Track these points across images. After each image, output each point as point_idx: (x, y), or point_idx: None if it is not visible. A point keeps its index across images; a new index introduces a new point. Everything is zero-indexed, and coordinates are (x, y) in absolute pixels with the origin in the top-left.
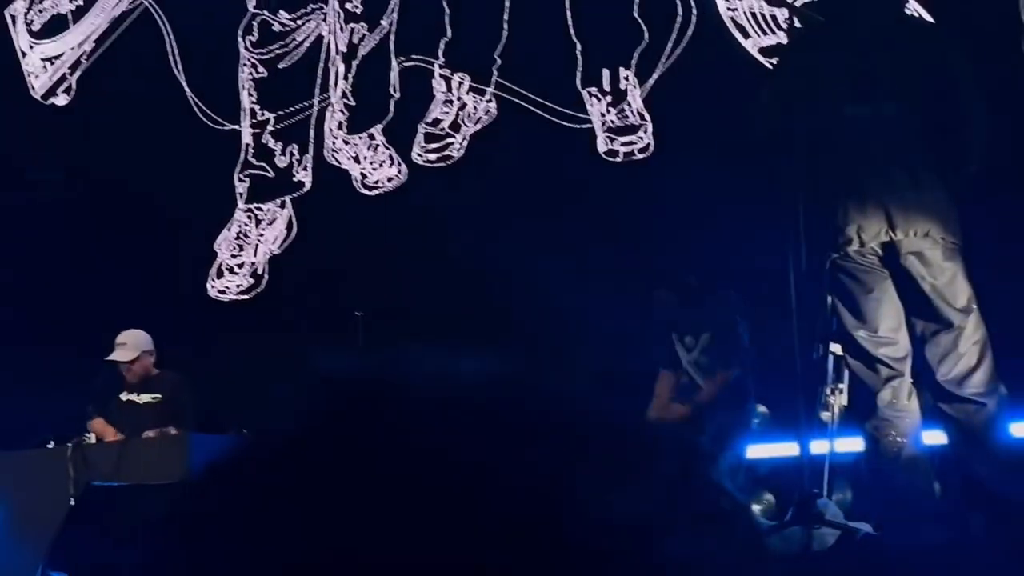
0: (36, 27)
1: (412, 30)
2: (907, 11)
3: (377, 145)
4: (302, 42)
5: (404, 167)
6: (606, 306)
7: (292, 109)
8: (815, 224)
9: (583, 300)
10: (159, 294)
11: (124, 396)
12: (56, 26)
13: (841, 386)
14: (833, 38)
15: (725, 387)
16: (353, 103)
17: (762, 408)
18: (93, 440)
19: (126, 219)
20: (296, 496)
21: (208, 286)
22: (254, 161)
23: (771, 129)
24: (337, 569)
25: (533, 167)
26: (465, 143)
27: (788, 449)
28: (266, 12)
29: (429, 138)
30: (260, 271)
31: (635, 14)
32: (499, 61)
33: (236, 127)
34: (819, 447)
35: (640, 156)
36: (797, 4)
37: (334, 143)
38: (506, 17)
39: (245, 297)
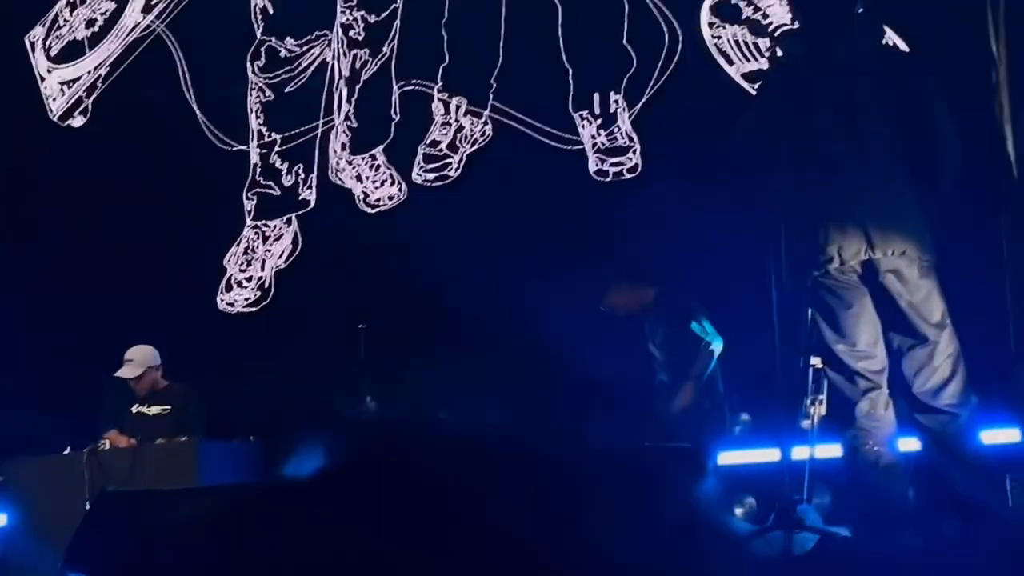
0: (54, 52)
1: (412, 56)
2: (885, 41)
3: (379, 165)
4: (308, 67)
5: (404, 186)
6: (592, 320)
7: (298, 131)
8: (796, 243)
9: (571, 314)
10: (171, 306)
11: (135, 409)
12: (73, 51)
13: (821, 397)
14: (814, 66)
15: (696, 394)
16: (356, 125)
17: (745, 416)
18: (108, 447)
19: (140, 235)
20: (322, 533)
21: (217, 299)
22: (261, 180)
23: (749, 152)
24: None
25: (527, 186)
26: (462, 163)
27: (770, 455)
28: (273, 39)
29: (428, 158)
30: (267, 285)
31: (624, 41)
32: (495, 85)
33: (244, 148)
34: (799, 454)
35: (629, 176)
36: (778, 34)
37: (338, 163)
38: (502, 44)
39: (252, 310)
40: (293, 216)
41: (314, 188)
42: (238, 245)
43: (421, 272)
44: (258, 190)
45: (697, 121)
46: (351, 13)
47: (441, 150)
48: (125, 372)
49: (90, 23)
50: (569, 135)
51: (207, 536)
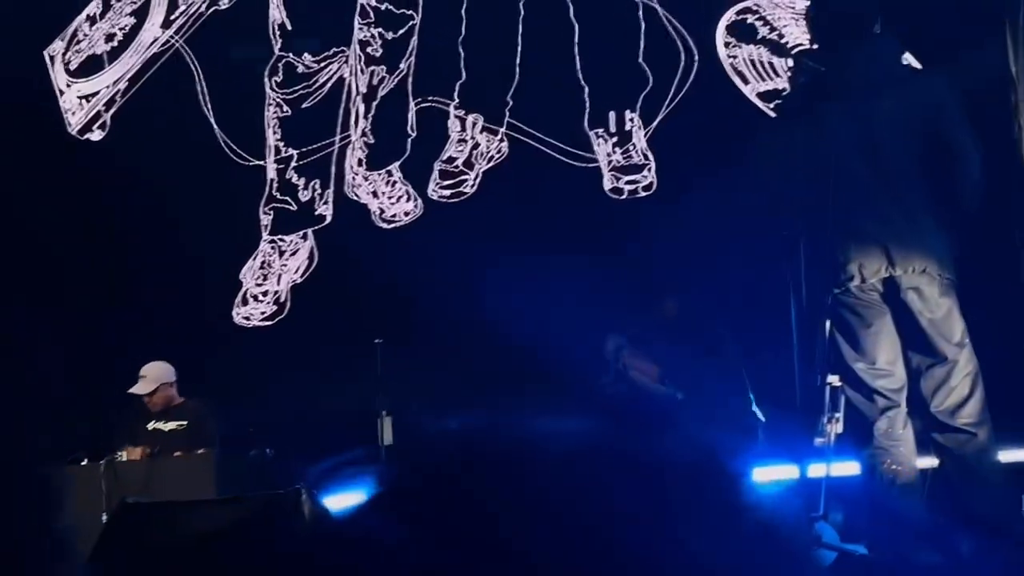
0: (73, 66)
1: (429, 73)
2: (903, 61)
3: (395, 181)
4: (325, 83)
5: (420, 202)
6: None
7: (315, 146)
8: (816, 261)
9: (588, 330)
10: (187, 319)
11: (151, 425)
12: (92, 66)
13: (838, 415)
14: (831, 85)
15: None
16: (372, 141)
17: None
18: (124, 458)
19: (156, 248)
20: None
21: (233, 313)
22: (278, 195)
23: (770, 173)
24: None
25: (542, 203)
26: (478, 180)
27: (787, 473)
28: (291, 55)
29: (444, 175)
30: (283, 299)
31: (640, 60)
32: (511, 103)
33: (261, 163)
34: (817, 471)
35: (644, 194)
36: (795, 54)
37: (354, 179)
38: (518, 61)
39: (268, 324)
40: (309, 231)
41: (330, 203)
42: (254, 259)
43: (436, 288)
44: (275, 205)
45: (712, 140)
46: (368, 30)
47: (457, 167)
48: (139, 388)
49: (109, 37)
50: (584, 153)
51: (227, 546)
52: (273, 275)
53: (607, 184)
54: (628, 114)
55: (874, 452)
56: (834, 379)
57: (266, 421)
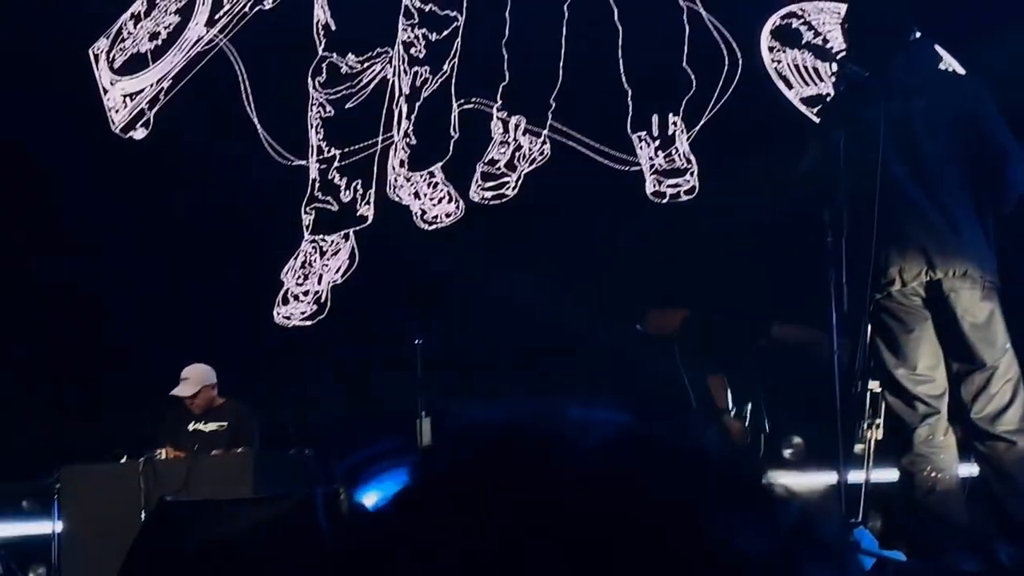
0: (117, 64)
1: (472, 74)
2: (941, 66)
3: (436, 182)
4: (368, 84)
5: (461, 204)
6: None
7: (357, 147)
8: (857, 266)
9: (628, 332)
10: (228, 318)
11: (191, 426)
12: (136, 64)
13: (877, 421)
14: (872, 90)
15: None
16: (415, 142)
17: (797, 439)
18: (164, 457)
19: (198, 247)
20: (444, 540)
21: (274, 312)
22: (320, 195)
23: (818, 176)
24: None
25: (583, 206)
26: (520, 182)
27: (826, 479)
28: (335, 55)
29: (486, 177)
30: (323, 299)
31: (684, 63)
32: (554, 105)
33: (304, 163)
34: (855, 478)
35: (686, 198)
36: (840, 58)
37: (396, 180)
38: (561, 63)
39: (308, 323)
40: (350, 231)
41: (372, 204)
42: (295, 259)
43: (477, 289)
44: (316, 205)
45: (755, 144)
46: (413, 31)
47: (499, 168)
48: (181, 390)
49: (154, 36)
50: (627, 156)
51: (266, 545)
52: (314, 275)
53: (649, 188)
54: (671, 118)
55: (914, 459)
56: (874, 385)
57: (305, 421)
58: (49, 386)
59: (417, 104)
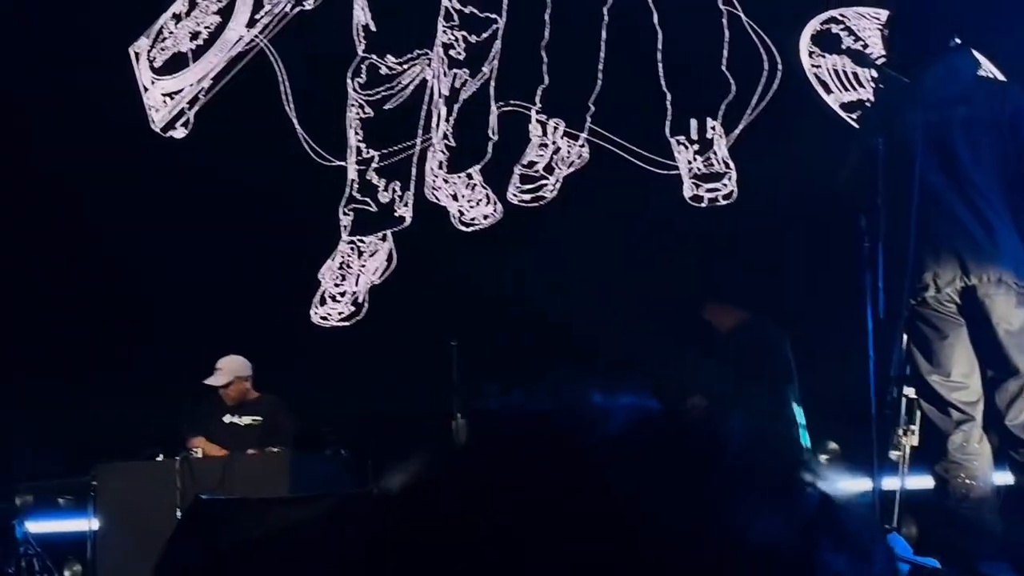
0: (158, 64)
1: (511, 77)
2: (981, 72)
3: (475, 184)
4: (407, 85)
5: (499, 206)
6: (685, 343)
7: (395, 148)
8: (892, 272)
9: (665, 337)
10: (265, 318)
11: (227, 419)
12: (177, 63)
13: (913, 427)
14: (910, 97)
15: None
16: (453, 144)
17: (833, 445)
18: (200, 455)
19: (236, 246)
20: (466, 528)
21: (311, 312)
22: (358, 196)
23: (857, 182)
24: None
25: (622, 209)
26: (558, 185)
27: (861, 485)
28: (374, 56)
29: (524, 179)
30: (361, 300)
31: (723, 67)
32: (593, 108)
33: (342, 163)
34: (890, 484)
35: (724, 202)
36: (879, 64)
37: (434, 181)
38: (601, 67)
39: (346, 324)
40: (388, 232)
41: (410, 205)
42: (333, 259)
43: (514, 292)
44: (355, 206)
45: (793, 149)
46: (452, 32)
47: (537, 171)
48: (214, 380)
49: (194, 36)
50: (665, 160)
51: (300, 544)
52: (351, 276)
53: (687, 192)
54: (710, 122)
55: (948, 466)
56: (910, 391)
57: (341, 421)
58: (86, 383)
59: (456, 106)
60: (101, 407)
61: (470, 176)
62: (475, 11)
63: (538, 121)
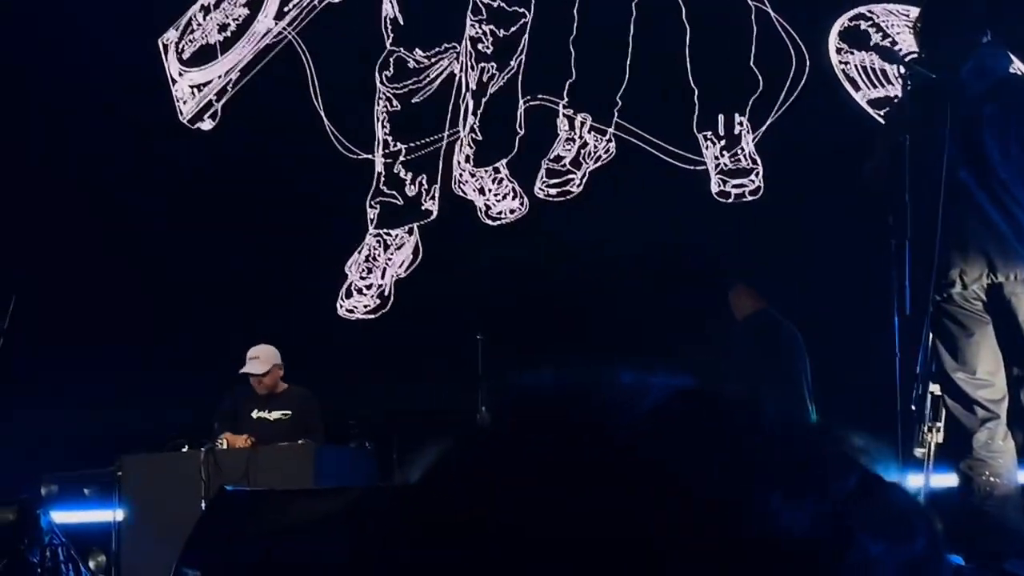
0: (186, 56)
1: (539, 71)
2: (1011, 69)
3: (502, 178)
4: (435, 79)
5: (526, 200)
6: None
7: (423, 142)
8: (919, 268)
9: (691, 332)
10: (292, 310)
11: (255, 414)
12: (205, 55)
13: (938, 425)
14: (939, 93)
15: None
16: (481, 138)
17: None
18: (225, 446)
19: (263, 239)
20: (498, 506)
21: (338, 305)
22: (385, 189)
23: (884, 179)
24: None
25: (648, 204)
26: (585, 179)
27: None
28: (402, 49)
29: (551, 173)
30: (387, 293)
31: (751, 63)
32: (620, 103)
33: (370, 156)
34: (915, 482)
35: (751, 198)
36: (908, 60)
37: (461, 175)
38: (628, 62)
39: (372, 317)
40: (415, 226)
41: (437, 199)
42: (360, 252)
43: (540, 286)
44: (381, 199)
45: (821, 146)
46: (480, 26)
47: (564, 166)
48: (252, 368)
49: (223, 28)
50: (692, 155)
51: (326, 535)
52: (378, 269)
53: (714, 187)
54: (737, 117)
55: (972, 463)
56: (935, 388)
57: (367, 414)
58: (112, 375)
59: (483, 100)
60: (128, 399)
61: (497, 170)
62: (503, 5)
63: (565, 116)
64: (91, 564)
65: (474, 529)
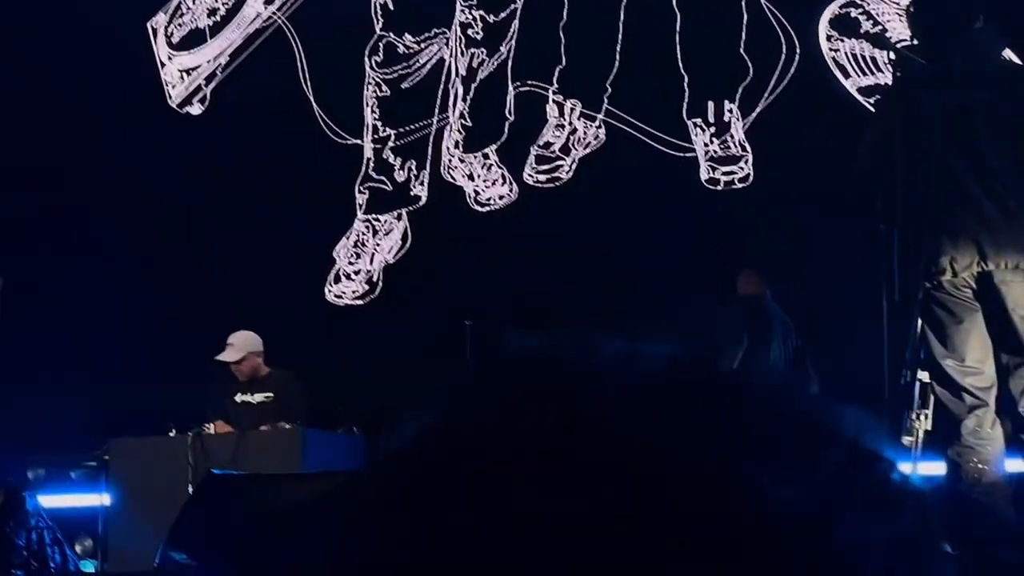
0: (175, 40)
1: (529, 57)
2: (1003, 56)
3: (491, 164)
4: (424, 64)
5: (515, 186)
6: (702, 322)
7: (412, 127)
8: (908, 255)
9: (680, 315)
10: (279, 295)
11: (239, 397)
12: (194, 39)
13: (926, 412)
14: (931, 79)
15: None
16: (470, 124)
17: None
18: (212, 431)
19: (251, 223)
20: (484, 473)
21: (326, 290)
22: (374, 175)
23: (874, 164)
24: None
25: (637, 191)
26: (574, 166)
27: None
28: (392, 34)
29: (540, 160)
30: (375, 278)
31: (741, 50)
32: (610, 90)
33: (359, 142)
34: (903, 469)
35: (740, 185)
36: (898, 47)
37: (450, 161)
38: (618, 48)
39: (360, 302)
40: (404, 211)
41: (426, 184)
42: (348, 238)
43: (528, 272)
44: (370, 184)
45: (810, 133)
46: (470, 12)
47: (553, 152)
48: (226, 356)
49: (212, 12)
50: (682, 142)
51: (313, 519)
52: (366, 254)
53: (703, 174)
54: (727, 104)
55: (960, 451)
56: (923, 375)
57: (354, 400)
58: (99, 359)
59: (473, 86)
60: (115, 383)
61: (486, 156)
62: None
63: (555, 102)
64: (78, 548)
65: (462, 503)
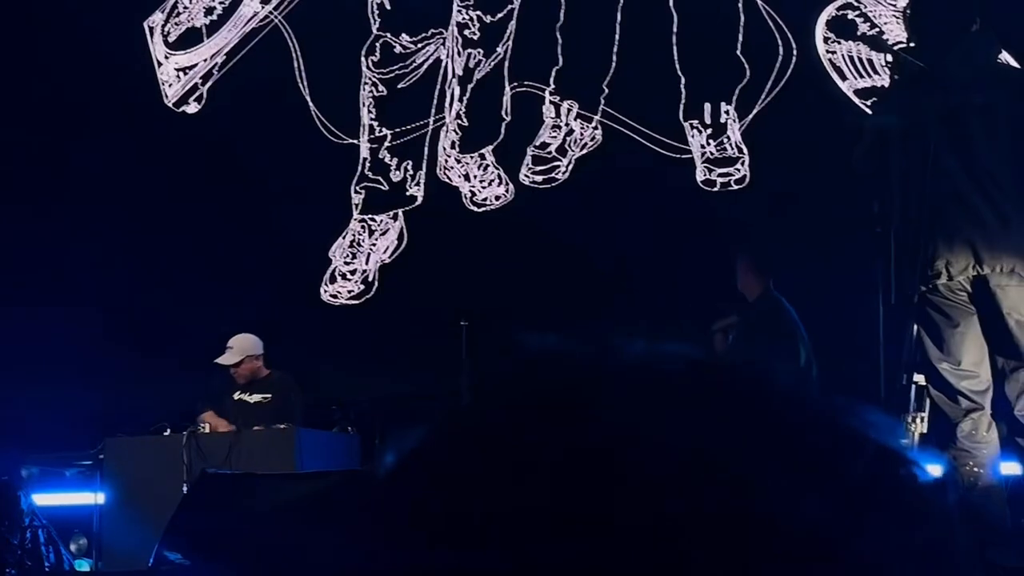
0: (172, 39)
1: (526, 58)
2: (999, 59)
3: (487, 165)
4: (421, 64)
5: (512, 187)
6: (699, 327)
7: (408, 127)
8: (904, 258)
9: (678, 319)
10: (275, 295)
11: (236, 396)
12: (191, 38)
13: (921, 415)
14: (927, 81)
15: None
16: (466, 124)
17: None
18: (207, 430)
19: (247, 223)
20: (502, 474)
21: (321, 290)
22: (370, 174)
23: (872, 167)
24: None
25: (634, 192)
26: (571, 167)
27: None
28: (389, 34)
29: (537, 160)
30: (371, 278)
31: (738, 52)
32: (607, 91)
33: (355, 141)
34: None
35: (736, 187)
36: (895, 49)
37: (446, 161)
38: (615, 49)
39: (355, 302)
40: (400, 211)
41: (422, 185)
42: (344, 237)
43: (524, 273)
44: (367, 184)
45: (807, 135)
46: (467, 12)
47: (550, 153)
48: (225, 359)
49: (209, 11)
50: (678, 144)
51: (308, 518)
52: (362, 254)
53: (700, 176)
54: (724, 106)
55: (956, 453)
56: (920, 378)
57: (350, 400)
58: (95, 357)
59: (469, 86)
60: (110, 382)
61: (483, 156)
62: None
63: (552, 102)
64: (72, 547)
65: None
